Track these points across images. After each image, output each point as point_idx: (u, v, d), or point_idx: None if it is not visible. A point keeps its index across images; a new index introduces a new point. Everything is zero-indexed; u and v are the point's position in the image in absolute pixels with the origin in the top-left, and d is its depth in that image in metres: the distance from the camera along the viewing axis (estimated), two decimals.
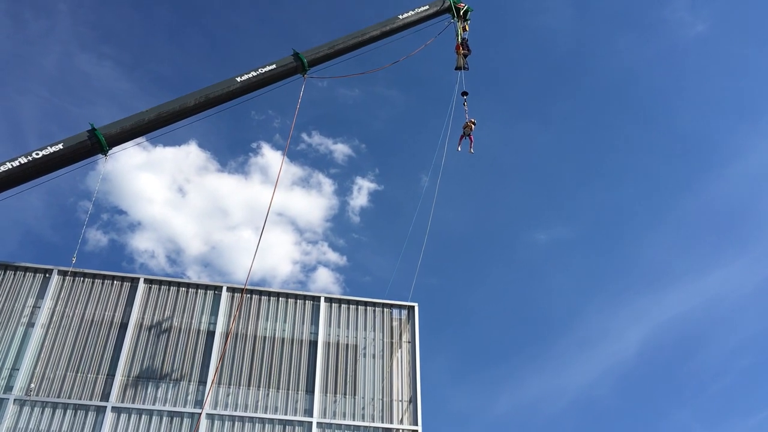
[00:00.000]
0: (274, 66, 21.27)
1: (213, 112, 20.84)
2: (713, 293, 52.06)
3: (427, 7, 24.68)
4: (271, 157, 53.85)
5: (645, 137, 59.30)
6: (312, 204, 53.53)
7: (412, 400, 20.17)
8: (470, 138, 24.03)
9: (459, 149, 24.13)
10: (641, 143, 59.28)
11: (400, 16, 23.92)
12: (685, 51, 58.95)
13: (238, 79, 20.60)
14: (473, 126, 24.01)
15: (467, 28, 25.43)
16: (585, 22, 60.97)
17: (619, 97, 60.78)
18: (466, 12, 25.42)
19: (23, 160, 17.15)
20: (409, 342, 21.22)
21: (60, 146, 17.79)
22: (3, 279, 19.49)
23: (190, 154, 52.33)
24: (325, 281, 50.91)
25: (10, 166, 16.93)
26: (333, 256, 51.88)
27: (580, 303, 54.64)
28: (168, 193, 51.72)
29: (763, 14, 57.84)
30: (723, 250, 54.11)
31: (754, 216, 54.74)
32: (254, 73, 20.87)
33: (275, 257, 51.15)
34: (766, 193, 55.49)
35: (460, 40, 25.08)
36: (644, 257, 55.76)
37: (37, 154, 17.44)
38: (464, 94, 24.50)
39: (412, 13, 24.20)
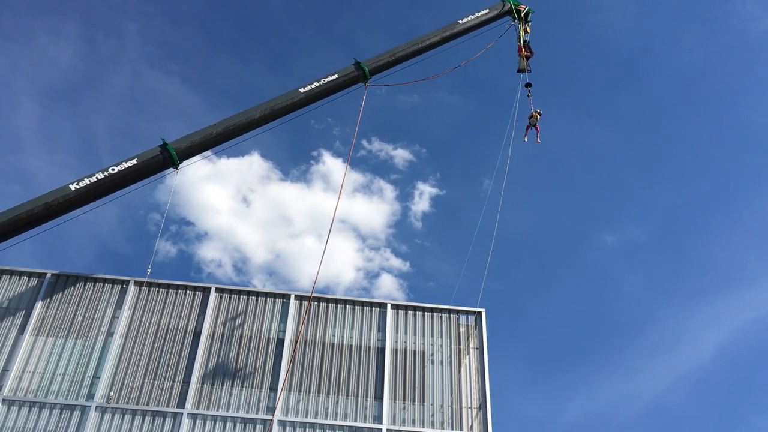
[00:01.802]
0: (336, 76, 21.55)
1: (277, 124, 21.28)
2: None
3: (487, 10, 24.55)
4: (332, 164, 54.46)
5: (715, 134, 57.27)
6: (374, 210, 53.84)
7: (482, 406, 19.97)
8: (536, 128, 24.24)
9: (526, 140, 24.20)
10: (711, 140, 57.27)
11: (460, 21, 23.86)
12: (755, 45, 56.71)
13: (301, 90, 20.97)
14: (539, 116, 24.17)
15: (529, 30, 25.18)
16: (648, 18, 59.42)
17: (687, 93, 58.93)
18: (527, 14, 25.17)
19: (100, 175, 17.91)
20: (477, 348, 21.05)
21: (134, 161, 18.50)
22: (83, 290, 20.33)
23: (253, 164, 53.47)
24: (388, 288, 51.03)
25: (89, 182, 17.69)
26: (396, 262, 51.98)
27: (652, 306, 53.01)
28: (233, 203, 52.98)
29: None
30: None
31: None
32: (317, 84, 21.21)
33: (338, 264, 51.62)
34: None
35: (522, 42, 24.84)
36: (719, 257, 53.72)
37: (113, 169, 18.18)
38: (528, 85, 24.41)
39: (472, 17, 24.10)
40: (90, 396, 18.71)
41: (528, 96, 24.40)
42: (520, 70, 24.86)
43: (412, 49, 22.93)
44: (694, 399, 47.80)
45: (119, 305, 20.24)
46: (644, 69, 59.27)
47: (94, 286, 20.47)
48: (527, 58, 24.77)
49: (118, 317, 20.01)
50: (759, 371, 47.80)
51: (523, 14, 25.02)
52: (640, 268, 54.71)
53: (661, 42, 59.35)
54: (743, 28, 57.12)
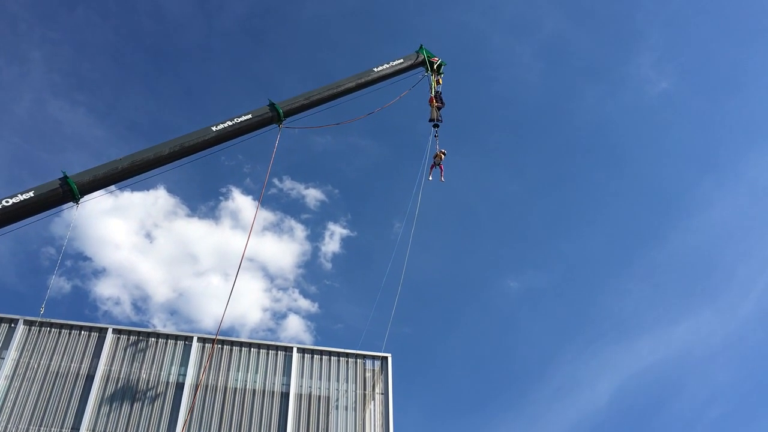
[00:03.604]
0: (249, 116, 21.36)
1: (187, 161, 20.77)
2: (683, 343, 52.62)
3: (401, 60, 25.14)
4: (241, 201, 53.78)
5: (613, 187, 60.55)
6: (283, 249, 53.36)
7: None
8: (440, 167, 24.84)
9: (431, 178, 24.75)
10: (610, 193, 60.50)
11: (375, 69, 24.27)
12: (651, 106, 60.88)
13: (214, 129, 20.62)
14: (443, 156, 24.84)
15: (440, 82, 25.91)
16: (554, 76, 62.71)
17: (588, 148, 62.22)
18: (439, 66, 25.92)
19: None
20: (382, 394, 20.99)
21: (31, 194, 17.52)
22: None
23: (159, 198, 52.09)
24: (296, 329, 50.39)
25: None
26: (304, 303, 51.51)
27: (552, 351, 54.74)
28: (135, 238, 51.19)
29: (723, 72, 60.09)
30: (691, 300, 54.96)
31: (720, 267, 55.84)
32: (230, 123, 20.92)
33: (245, 304, 50.62)
34: (732, 244, 56.72)
35: (433, 93, 25.54)
36: (615, 306, 56.35)
37: (7, 201, 17.15)
38: (435, 126, 25.04)
39: (387, 66, 24.59)
40: None
41: (435, 136, 25.08)
42: (431, 120, 25.50)
43: (327, 94, 23.09)
44: None
45: (5, 346, 18.98)
46: (548, 122, 62.29)
47: None
48: (439, 108, 25.45)
49: (3, 358, 18.76)
50: (652, 417, 49.97)
51: (435, 66, 25.76)
52: (541, 314, 56.58)
53: (564, 98, 62.68)
54: (640, 89, 61.21)
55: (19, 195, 17.43)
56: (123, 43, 58.11)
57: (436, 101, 25.44)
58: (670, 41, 61.78)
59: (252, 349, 20.93)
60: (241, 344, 20.95)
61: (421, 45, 25.99)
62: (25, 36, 53.36)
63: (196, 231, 53.21)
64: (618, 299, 56.44)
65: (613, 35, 62.35)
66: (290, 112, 22.31)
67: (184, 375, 19.80)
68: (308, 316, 51.48)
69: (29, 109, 52.80)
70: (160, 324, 47.87)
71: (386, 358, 21.58)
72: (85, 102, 54.97)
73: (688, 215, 57.92)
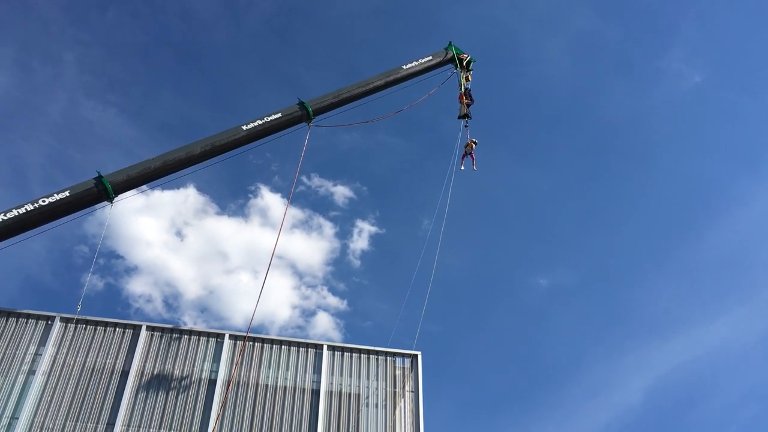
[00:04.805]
0: (279, 115, 21.51)
1: (217, 160, 21.02)
2: (717, 342, 51.71)
3: (430, 57, 25.08)
4: (270, 199, 54.10)
5: (646, 184, 59.69)
6: (312, 247, 53.52)
7: None
8: (472, 156, 24.91)
9: (462, 168, 24.76)
10: (642, 190, 59.64)
11: (404, 66, 24.26)
12: (684, 101, 59.84)
13: (244, 128, 20.82)
14: (474, 145, 24.87)
15: (470, 78, 25.79)
16: (582, 71, 61.98)
17: (619, 144, 61.40)
18: (468, 62, 25.80)
19: (30, 207, 17.22)
20: (412, 391, 20.98)
21: (66, 193, 17.89)
22: (5, 326, 19.41)
23: (189, 197, 52.63)
24: (325, 326, 50.57)
25: (17, 213, 17.00)
26: (333, 301, 51.64)
27: (583, 349, 54.20)
28: (166, 236, 51.82)
29: (757, 65, 58.83)
30: (726, 297, 53.94)
31: (756, 263, 54.70)
32: (260, 122, 21.10)
33: (274, 302, 50.89)
34: (767, 240, 55.53)
35: (463, 89, 25.43)
36: (647, 304, 55.57)
37: (44, 201, 17.52)
38: (466, 116, 25.00)
39: (416, 63, 24.55)
40: None
41: (465, 126, 25.11)
42: (460, 117, 25.40)
43: (356, 92, 23.15)
44: None
45: (43, 342, 19.38)
46: (578, 119, 61.59)
47: (17, 321, 19.58)
48: (468, 105, 25.34)
49: (41, 355, 19.15)
50: (685, 416, 49.25)
51: (465, 63, 25.65)
52: (571, 312, 56.03)
53: (594, 94, 61.89)
54: (672, 84, 60.23)
55: (55, 195, 17.79)
56: (153, 43, 58.88)
57: (466, 98, 25.34)
58: (702, 35, 60.71)
59: (283, 346, 21.07)
60: (272, 341, 21.11)
61: (450, 42, 25.88)
62: (58, 38, 54.38)
63: (225, 229, 53.72)
64: (650, 297, 55.68)
65: (644, 29, 61.44)
66: (319, 111, 22.41)
67: (216, 371, 20.01)
68: (337, 314, 51.67)
69: (63, 110, 53.77)
70: (190, 321, 48.47)
71: (416, 356, 21.56)
72: (117, 102, 55.82)
73: (723, 212, 56.86)
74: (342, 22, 62.37)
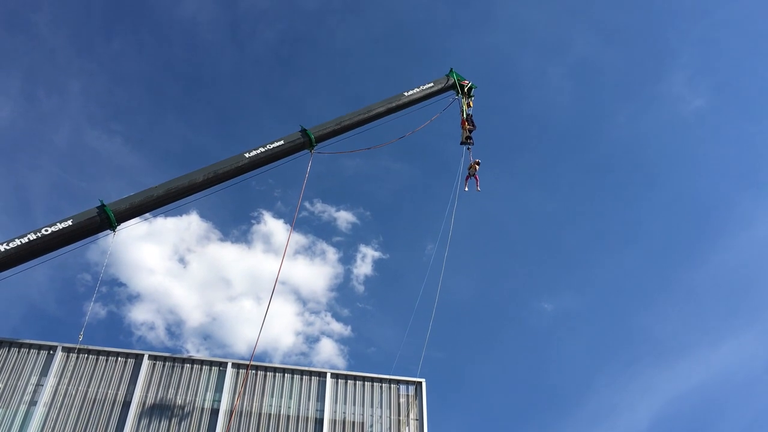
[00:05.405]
0: (282, 142, 21.62)
1: (221, 188, 21.08)
2: (725, 365, 51.10)
3: (431, 84, 25.24)
4: (273, 225, 54.11)
5: (649, 207, 59.64)
6: (315, 273, 53.38)
7: None
8: (476, 178, 25.05)
9: (466, 189, 24.87)
10: (645, 213, 59.58)
11: (406, 93, 24.42)
12: (686, 124, 60.00)
13: (247, 155, 20.91)
14: (477, 166, 24.87)
15: (471, 104, 25.95)
16: (584, 96, 62.31)
17: (622, 167, 61.48)
18: (470, 89, 25.98)
19: (32, 236, 17.27)
20: (416, 419, 20.76)
21: (69, 222, 17.94)
22: (7, 356, 19.30)
23: (192, 224, 52.67)
24: (329, 353, 50.23)
25: (20, 243, 17.03)
26: (337, 327, 51.35)
27: (589, 374, 53.63)
28: (169, 263, 51.75)
29: (759, 87, 59.07)
30: (733, 321, 53.50)
31: (761, 284, 54.34)
32: (262, 149, 21.20)
33: (277, 328, 50.64)
34: None
35: (464, 115, 25.56)
36: (653, 328, 55.12)
37: (47, 230, 17.57)
38: (468, 139, 25.15)
39: (417, 90, 24.72)
40: None
41: (468, 149, 25.23)
42: (463, 142, 25.51)
43: (358, 119, 23.28)
44: None
45: (44, 372, 19.25)
46: (581, 142, 61.76)
47: (18, 351, 19.46)
48: (470, 131, 25.46)
49: (42, 385, 19.01)
50: None
51: (466, 89, 25.81)
52: (577, 337, 55.58)
53: (597, 118, 62.16)
54: (674, 107, 60.45)
55: (58, 224, 17.82)
56: (157, 72, 59.40)
57: (468, 124, 25.46)
58: (702, 58, 61.06)
59: (286, 374, 20.91)
60: (275, 369, 20.94)
61: (451, 68, 26.08)
62: (64, 67, 54.90)
63: (228, 255, 53.67)
64: (656, 321, 55.26)
65: (645, 54, 61.82)
66: (322, 138, 22.52)
67: (219, 401, 19.83)
68: (341, 340, 51.36)
69: (68, 139, 54.13)
70: (193, 348, 48.22)
71: (420, 383, 21.36)
72: (121, 131, 56.16)
73: (728, 233, 56.64)
74: (345, 50, 62.97)
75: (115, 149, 54.96)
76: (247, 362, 20.43)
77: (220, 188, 21.00)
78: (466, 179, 25.05)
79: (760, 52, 59.76)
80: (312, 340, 50.97)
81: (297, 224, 53.30)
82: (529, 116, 62.01)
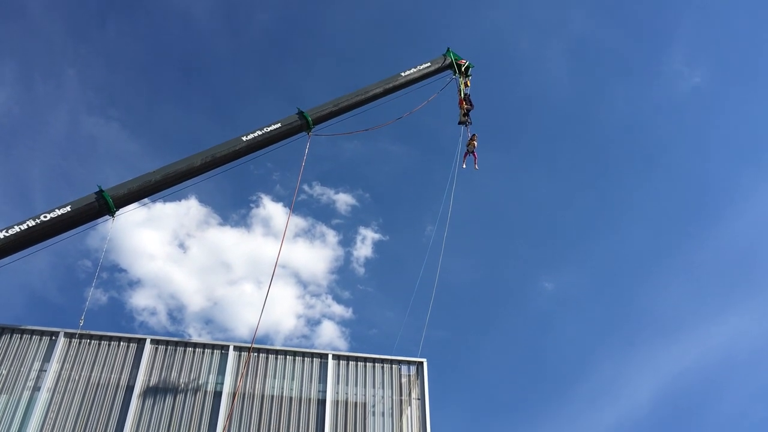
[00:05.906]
0: (279, 125, 21.57)
1: (218, 172, 21.08)
2: (727, 341, 51.36)
3: (428, 64, 25.13)
4: (272, 208, 54.10)
5: (649, 184, 59.60)
6: (315, 256, 53.46)
7: None
8: (474, 155, 24.90)
9: (464, 166, 24.84)
10: (645, 190, 59.55)
11: (402, 74, 24.32)
12: (684, 101, 59.78)
13: (244, 139, 20.87)
14: (475, 142, 24.97)
15: (469, 84, 25.88)
16: (582, 75, 62.02)
17: (621, 145, 61.34)
18: (467, 68, 25.88)
19: (31, 222, 17.30)
20: (418, 399, 20.89)
21: (68, 208, 17.95)
22: (9, 343, 19.39)
23: (191, 209, 52.67)
24: (330, 335, 50.44)
25: (19, 230, 17.05)
26: (338, 309, 51.54)
27: (590, 352, 53.96)
28: (169, 248, 51.81)
29: (757, 62, 58.79)
30: (735, 296, 53.66)
31: (762, 261, 54.45)
32: (260, 132, 21.16)
33: (278, 311, 50.81)
34: None
35: (462, 95, 25.48)
36: (654, 305, 55.32)
37: (45, 216, 17.59)
38: (465, 121, 25.07)
39: (414, 70, 24.61)
40: None
41: (466, 128, 25.17)
42: (461, 122, 25.46)
43: (355, 100, 23.21)
44: None
45: (47, 358, 19.34)
46: (579, 121, 61.57)
47: (21, 338, 19.55)
48: (468, 110, 25.40)
49: (45, 371, 19.11)
50: (695, 418, 48.94)
51: (463, 68, 25.71)
52: (578, 315, 55.83)
53: (595, 97, 61.91)
54: (672, 85, 60.21)
55: (56, 210, 17.83)
56: (153, 57, 59.08)
57: (465, 103, 25.39)
58: (700, 35, 60.69)
59: (288, 356, 21.01)
60: (276, 352, 21.05)
61: (448, 48, 25.96)
62: (60, 53, 54.58)
63: (228, 239, 53.72)
64: (657, 298, 55.45)
65: (643, 32, 61.44)
66: (319, 120, 22.47)
67: (222, 383, 19.95)
68: (342, 322, 51.56)
69: (65, 125, 53.96)
70: (195, 333, 48.43)
71: (422, 363, 21.47)
72: (118, 117, 55.97)
73: (728, 211, 56.68)
74: (340, 31, 62.53)
75: (113, 135, 54.85)
76: (249, 345, 20.52)
77: (218, 172, 21.01)
78: (464, 156, 25.02)
79: (759, 27, 59.43)
80: (313, 323, 51.22)
81: (296, 207, 53.21)
82: (526, 95, 61.83)
